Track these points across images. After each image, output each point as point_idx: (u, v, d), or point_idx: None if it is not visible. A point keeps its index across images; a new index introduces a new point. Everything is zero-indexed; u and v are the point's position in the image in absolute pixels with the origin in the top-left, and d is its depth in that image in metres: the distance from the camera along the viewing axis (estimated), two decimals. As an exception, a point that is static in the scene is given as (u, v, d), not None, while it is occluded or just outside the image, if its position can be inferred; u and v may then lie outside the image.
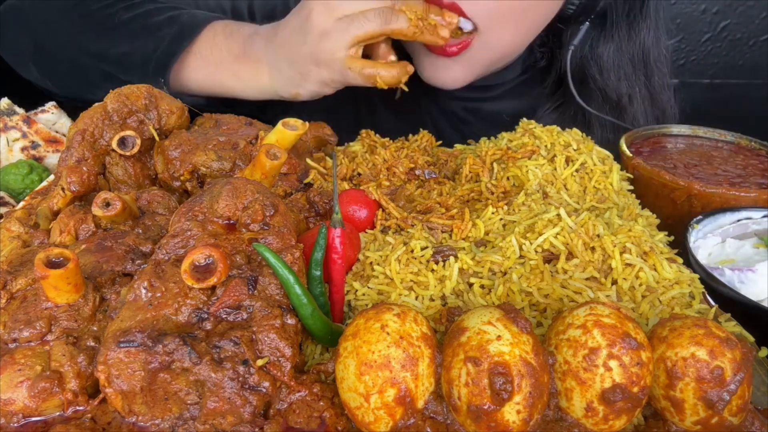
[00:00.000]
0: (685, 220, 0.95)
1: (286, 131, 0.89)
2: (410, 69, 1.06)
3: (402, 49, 1.24)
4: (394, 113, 1.44)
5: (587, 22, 1.26)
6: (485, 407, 0.53)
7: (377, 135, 1.09)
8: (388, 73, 1.02)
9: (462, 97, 1.38)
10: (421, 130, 1.13)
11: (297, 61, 1.06)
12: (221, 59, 1.15)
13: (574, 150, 0.97)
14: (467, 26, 1.08)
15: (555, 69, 1.37)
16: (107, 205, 0.78)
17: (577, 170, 0.94)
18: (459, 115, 1.42)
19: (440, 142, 1.12)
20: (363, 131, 1.10)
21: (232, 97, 1.18)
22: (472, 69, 1.20)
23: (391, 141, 1.09)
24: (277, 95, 1.15)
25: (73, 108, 1.25)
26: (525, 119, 1.06)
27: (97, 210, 0.77)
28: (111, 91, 1.14)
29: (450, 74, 1.20)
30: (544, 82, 1.40)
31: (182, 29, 1.17)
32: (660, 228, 0.87)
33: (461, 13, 1.08)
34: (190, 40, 1.15)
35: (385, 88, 1.04)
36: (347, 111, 1.42)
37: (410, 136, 1.12)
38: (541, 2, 1.15)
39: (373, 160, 1.00)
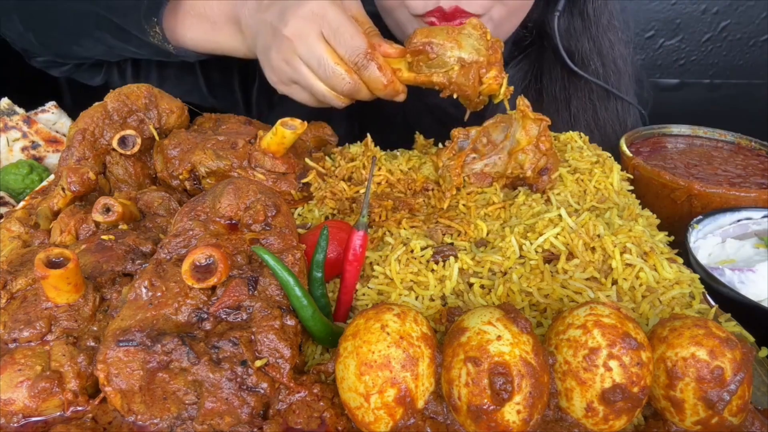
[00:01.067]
0: (685, 220, 0.95)
1: (285, 131, 0.88)
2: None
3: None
4: (374, 111, 1.43)
5: None
6: (485, 407, 0.53)
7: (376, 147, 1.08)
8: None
9: None
10: (417, 135, 1.13)
11: (269, 48, 1.02)
12: (215, 19, 1.13)
13: (575, 149, 0.97)
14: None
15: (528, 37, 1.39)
16: (107, 210, 0.78)
17: (577, 170, 0.95)
18: (446, 111, 1.41)
19: (432, 139, 1.12)
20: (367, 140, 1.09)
21: (229, 55, 1.15)
22: None
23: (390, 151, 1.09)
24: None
25: (73, 108, 1.25)
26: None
27: (97, 216, 0.77)
28: (100, 38, 1.10)
29: None
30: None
31: None
32: (660, 228, 0.87)
33: (464, 14, 1.08)
34: None
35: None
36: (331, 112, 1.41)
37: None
38: None
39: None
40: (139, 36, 1.13)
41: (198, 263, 0.64)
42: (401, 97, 0.98)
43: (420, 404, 0.57)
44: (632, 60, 1.42)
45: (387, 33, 1.35)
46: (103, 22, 1.15)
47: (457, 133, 0.96)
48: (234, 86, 1.45)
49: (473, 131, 0.95)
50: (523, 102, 0.89)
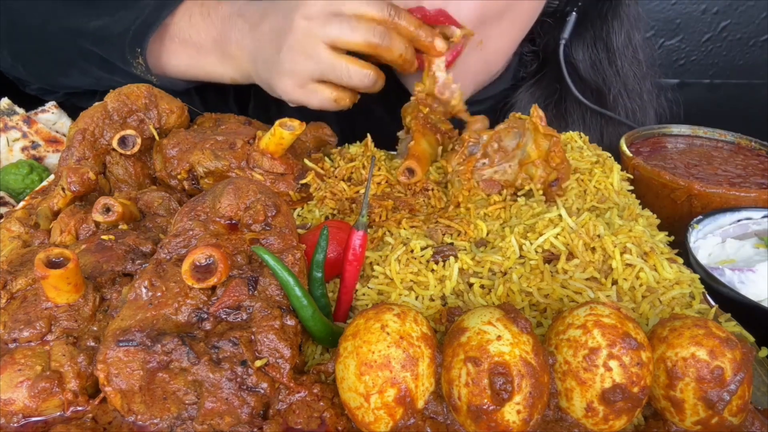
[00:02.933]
0: (685, 220, 0.95)
1: (283, 131, 0.88)
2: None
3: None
4: (374, 129, 1.42)
5: (574, 14, 1.27)
6: (485, 407, 0.53)
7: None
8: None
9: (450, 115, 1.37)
10: None
11: (278, 52, 1.00)
12: (201, 43, 1.11)
13: (576, 149, 0.97)
14: (455, 32, 1.04)
15: (540, 60, 1.38)
16: (107, 210, 0.78)
17: (577, 170, 0.95)
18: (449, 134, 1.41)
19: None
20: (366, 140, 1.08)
21: (216, 81, 1.14)
22: (466, 79, 1.15)
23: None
24: (257, 81, 1.10)
25: (73, 108, 1.25)
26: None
27: (97, 216, 0.77)
28: (86, 70, 1.08)
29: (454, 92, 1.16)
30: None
31: (163, 1, 1.11)
32: (660, 228, 0.87)
33: (449, 19, 1.03)
34: (170, 10, 1.10)
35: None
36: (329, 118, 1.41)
37: None
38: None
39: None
40: (122, 67, 1.11)
41: (198, 263, 0.64)
42: (439, 45, 0.98)
43: (420, 404, 0.57)
44: (657, 93, 1.41)
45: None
46: (88, 53, 1.13)
47: (467, 137, 0.94)
48: (230, 104, 1.43)
49: (485, 136, 0.93)
50: (536, 113, 0.87)
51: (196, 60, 1.12)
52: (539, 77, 1.37)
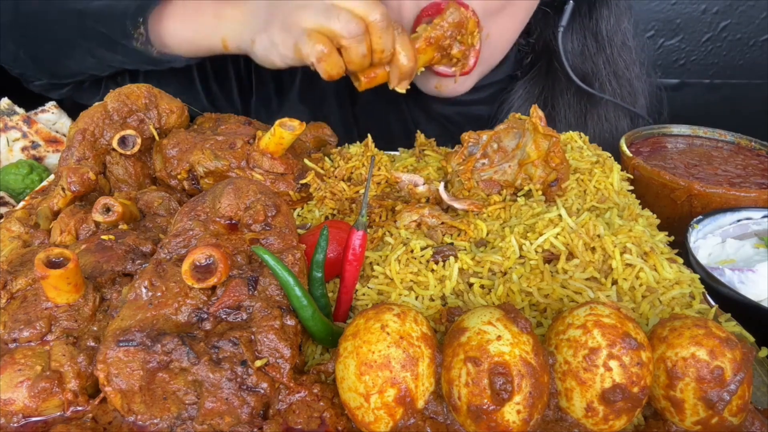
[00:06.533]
0: (685, 220, 0.95)
1: (283, 131, 0.88)
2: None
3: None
4: (375, 120, 1.41)
5: (571, 1, 1.28)
6: (485, 407, 0.53)
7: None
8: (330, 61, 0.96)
9: (453, 101, 1.37)
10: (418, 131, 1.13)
11: (271, 12, 1.01)
12: (200, 3, 1.11)
13: (575, 149, 0.97)
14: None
15: (536, 52, 1.40)
16: (107, 210, 0.78)
17: (577, 170, 0.95)
18: (451, 119, 1.42)
19: (433, 139, 1.12)
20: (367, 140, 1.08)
21: (207, 48, 1.12)
22: (478, 70, 1.21)
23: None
24: (241, 45, 1.09)
25: (73, 108, 1.25)
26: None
27: (97, 216, 0.77)
28: (89, 49, 1.10)
29: (459, 85, 1.21)
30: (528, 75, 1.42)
31: None
32: (660, 228, 0.87)
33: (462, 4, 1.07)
34: None
35: (325, 78, 0.97)
36: (331, 112, 1.42)
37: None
38: None
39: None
40: (123, 43, 1.11)
41: (198, 263, 0.64)
42: (403, 84, 1.01)
43: (420, 404, 0.57)
44: (647, 79, 1.42)
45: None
46: (89, 31, 1.14)
47: (467, 137, 0.94)
48: (233, 97, 1.44)
49: (484, 136, 0.93)
50: (536, 113, 0.87)
51: (193, 17, 1.11)
52: (533, 72, 1.38)
